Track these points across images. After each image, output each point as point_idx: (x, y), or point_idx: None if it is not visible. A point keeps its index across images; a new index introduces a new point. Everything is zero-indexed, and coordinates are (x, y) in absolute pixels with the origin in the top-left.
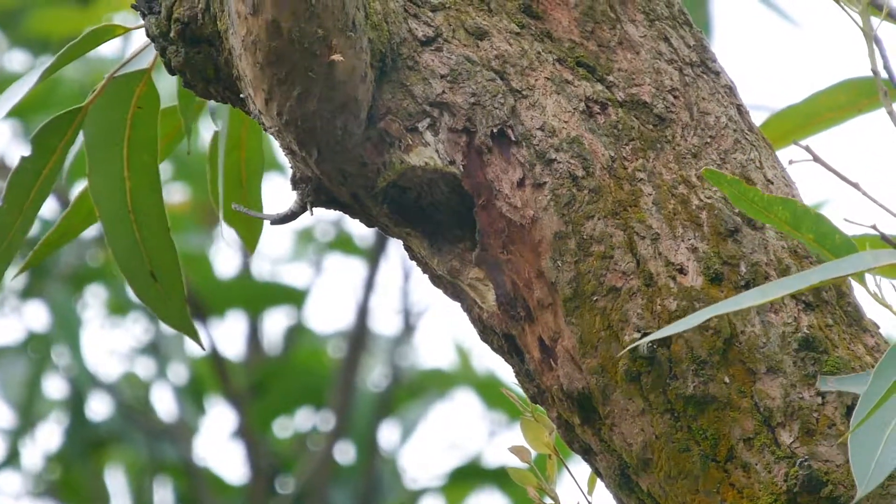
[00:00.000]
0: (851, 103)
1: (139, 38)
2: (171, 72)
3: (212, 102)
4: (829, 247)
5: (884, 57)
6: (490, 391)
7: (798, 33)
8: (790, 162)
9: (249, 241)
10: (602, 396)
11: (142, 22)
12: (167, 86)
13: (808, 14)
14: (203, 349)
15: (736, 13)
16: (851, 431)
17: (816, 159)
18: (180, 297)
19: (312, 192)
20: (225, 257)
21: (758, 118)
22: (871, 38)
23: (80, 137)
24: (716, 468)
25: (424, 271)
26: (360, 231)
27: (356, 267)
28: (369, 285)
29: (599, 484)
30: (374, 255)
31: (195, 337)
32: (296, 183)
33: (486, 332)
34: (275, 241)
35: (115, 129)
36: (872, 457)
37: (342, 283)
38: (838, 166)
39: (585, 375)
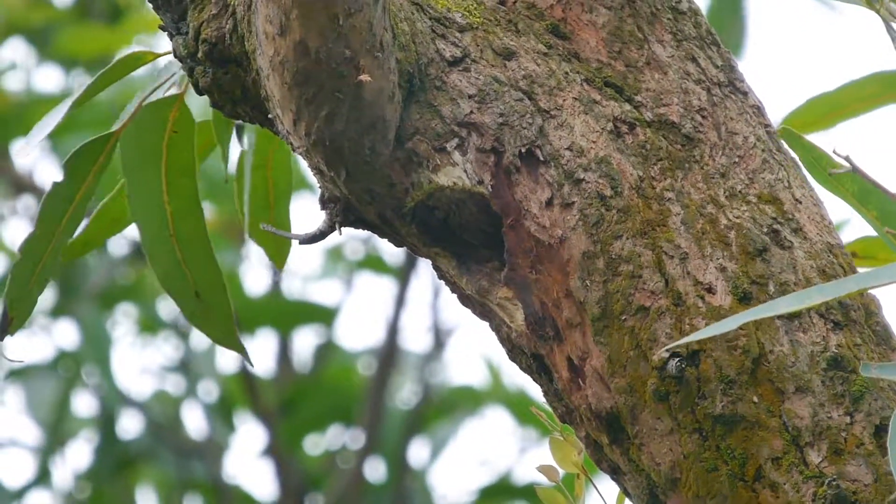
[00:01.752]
0: (881, 94)
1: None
2: (199, 92)
3: (238, 122)
4: (892, 226)
5: None
6: (521, 408)
7: (832, 27)
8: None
9: (278, 258)
10: (630, 416)
11: (170, 46)
12: (199, 103)
13: (841, 7)
14: (252, 366)
15: (771, 9)
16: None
17: (855, 169)
18: (227, 314)
19: (341, 212)
20: (255, 275)
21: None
22: None
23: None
24: (744, 488)
25: (453, 291)
26: (390, 249)
27: (386, 285)
28: (399, 303)
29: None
30: (404, 273)
31: (244, 353)
32: (324, 203)
33: (515, 352)
34: (305, 260)
35: (151, 153)
36: None
37: (372, 300)
38: (873, 167)
39: (614, 395)
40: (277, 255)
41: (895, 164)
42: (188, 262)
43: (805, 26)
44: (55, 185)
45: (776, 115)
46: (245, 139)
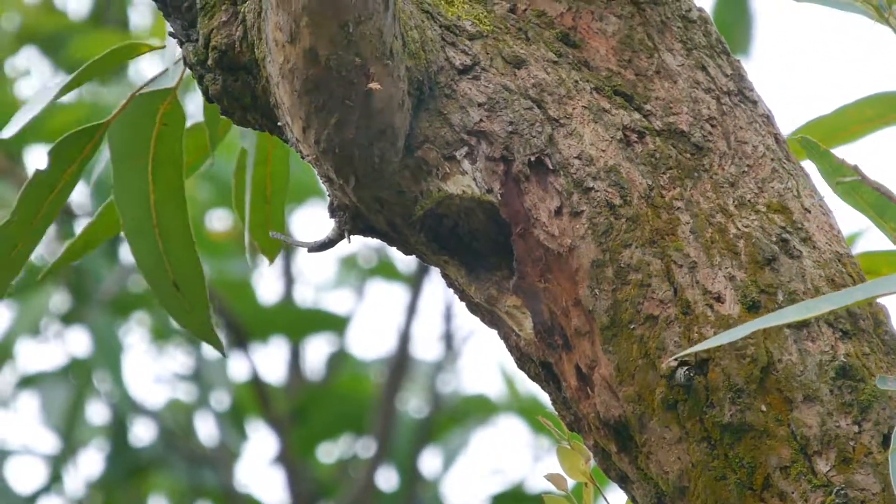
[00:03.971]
0: (879, 116)
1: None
2: (209, 100)
3: None
4: None
5: None
6: (535, 417)
7: (837, 44)
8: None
9: (269, 252)
10: (639, 424)
11: (169, 40)
12: (194, 104)
13: (848, 26)
14: (224, 356)
15: (780, 15)
16: (893, 449)
17: (864, 179)
18: (203, 306)
19: (350, 220)
20: (268, 284)
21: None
22: None
23: (105, 155)
24: (752, 497)
25: (462, 299)
26: (403, 257)
27: (398, 293)
28: (411, 311)
29: None
30: (416, 281)
31: (219, 346)
32: (333, 211)
33: (524, 360)
34: (318, 268)
35: (140, 145)
36: None
37: (384, 309)
38: (884, 181)
39: (622, 403)
40: (269, 249)
41: None
42: (169, 252)
43: (815, 32)
44: (37, 172)
45: (785, 123)
46: (247, 138)
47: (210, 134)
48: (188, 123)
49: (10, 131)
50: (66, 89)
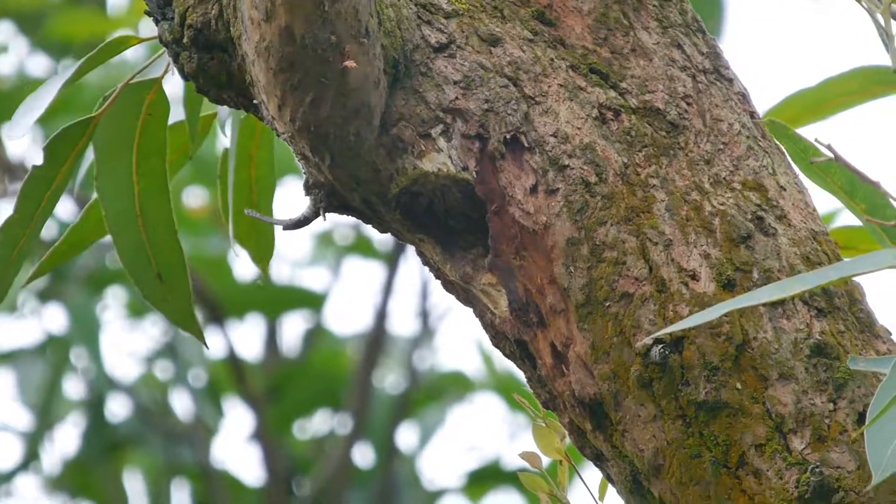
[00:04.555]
0: (864, 89)
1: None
2: (185, 78)
3: (222, 114)
4: (879, 218)
5: None
6: (512, 394)
7: (812, 21)
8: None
9: (261, 259)
10: (614, 402)
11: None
12: (177, 90)
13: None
14: (207, 348)
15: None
16: (868, 424)
17: (837, 158)
18: (186, 297)
19: (325, 198)
20: (244, 261)
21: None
22: (892, 38)
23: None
24: (727, 474)
25: (437, 277)
26: (379, 235)
27: (375, 269)
28: (388, 288)
29: (611, 490)
30: (392, 259)
31: (201, 337)
32: (308, 188)
33: (499, 338)
34: (294, 246)
35: (124, 135)
36: (888, 445)
37: (361, 286)
38: (857, 160)
39: (597, 381)
40: (260, 255)
41: (881, 159)
42: (152, 242)
43: (787, 12)
44: (35, 168)
45: (761, 102)
46: (227, 131)
47: (190, 126)
48: (172, 113)
49: (16, 132)
50: (68, 83)
